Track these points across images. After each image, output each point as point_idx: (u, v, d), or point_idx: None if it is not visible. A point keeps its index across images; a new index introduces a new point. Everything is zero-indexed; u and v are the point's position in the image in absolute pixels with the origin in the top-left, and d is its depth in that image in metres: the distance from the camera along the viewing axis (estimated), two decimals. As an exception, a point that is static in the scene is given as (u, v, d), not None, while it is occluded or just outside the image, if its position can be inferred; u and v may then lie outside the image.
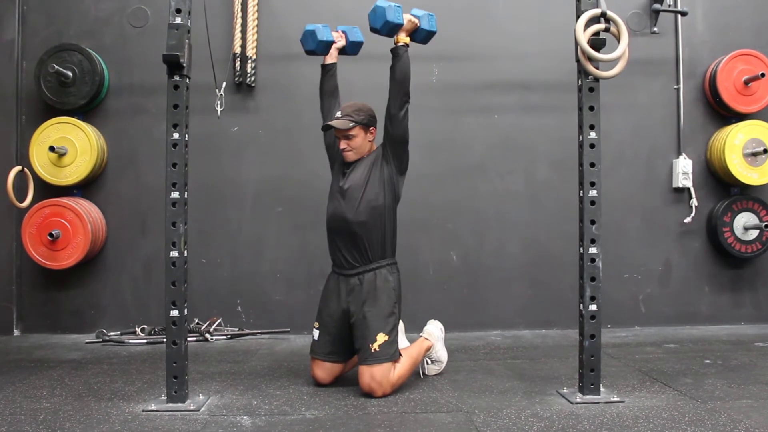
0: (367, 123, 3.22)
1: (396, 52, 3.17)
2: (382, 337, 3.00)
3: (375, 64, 4.60)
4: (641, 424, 2.53)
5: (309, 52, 3.43)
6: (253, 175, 4.58)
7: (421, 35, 3.28)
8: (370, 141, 3.25)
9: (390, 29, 3.15)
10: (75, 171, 4.38)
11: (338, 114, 3.22)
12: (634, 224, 4.67)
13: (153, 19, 4.57)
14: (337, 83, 3.44)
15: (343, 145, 3.21)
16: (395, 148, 3.18)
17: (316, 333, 3.23)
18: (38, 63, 4.41)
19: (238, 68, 4.52)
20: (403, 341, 3.31)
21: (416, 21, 3.21)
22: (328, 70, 3.42)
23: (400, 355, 3.07)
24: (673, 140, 4.70)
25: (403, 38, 3.18)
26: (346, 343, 3.17)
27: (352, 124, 3.16)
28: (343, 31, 3.48)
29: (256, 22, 4.53)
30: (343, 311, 3.16)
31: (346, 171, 3.24)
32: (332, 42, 3.40)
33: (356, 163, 3.23)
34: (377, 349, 2.98)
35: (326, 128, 3.24)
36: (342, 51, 3.48)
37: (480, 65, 4.64)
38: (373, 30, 3.22)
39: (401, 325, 3.32)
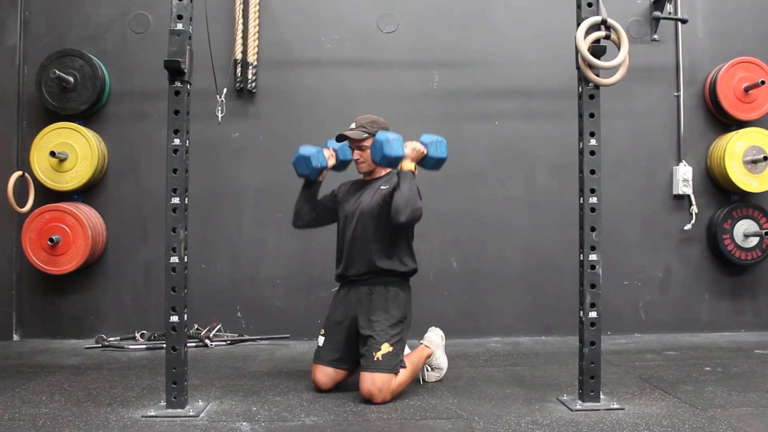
0: None
1: (398, 178, 3.11)
2: (386, 348, 3.00)
3: (376, 71, 4.65)
4: (641, 431, 2.53)
5: (300, 176, 3.35)
6: (254, 180, 4.59)
7: (430, 162, 3.18)
8: None
9: (390, 162, 3.07)
10: (75, 176, 4.38)
11: (352, 125, 3.26)
12: (634, 231, 4.67)
13: (154, 25, 4.58)
14: (317, 200, 3.41)
15: (356, 155, 3.27)
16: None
17: (321, 339, 3.23)
18: (40, 68, 4.43)
19: (239, 74, 4.53)
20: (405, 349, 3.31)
21: (423, 149, 3.13)
22: (313, 188, 3.39)
23: (403, 367, 3.07)
24: (673, 147, 4.71)
25: (407, 165, 3.10)
26: (352, 351, 3.18)
27: (365, 134, 3.20)
28: (334, 150, 3.39)
29: (257, 29, 4.54)
30: (352, 319, 3.18)
31: (359, 192, 3.30)
32: (326, 167, 3.32)
33: (368, 185, 3.29)
34: (380, 358, 2.97)
35: (340, 138, 3.25)
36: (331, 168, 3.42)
37: (480, 72, 4.65)
38: (375, 163, 3.16)
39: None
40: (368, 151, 3.21)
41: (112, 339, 4.32)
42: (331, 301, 3.35)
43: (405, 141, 3.10)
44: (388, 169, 3.31)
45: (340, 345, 3.18)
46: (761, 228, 4.59)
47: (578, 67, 2.89)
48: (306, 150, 3.27)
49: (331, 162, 3.36)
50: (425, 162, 3.18)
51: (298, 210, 3.42)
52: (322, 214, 3.43)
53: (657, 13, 4.61)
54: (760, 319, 4.73)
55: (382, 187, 3.22)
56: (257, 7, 4.55)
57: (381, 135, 3.06)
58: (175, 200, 2.80)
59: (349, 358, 3.19)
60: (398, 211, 3.01)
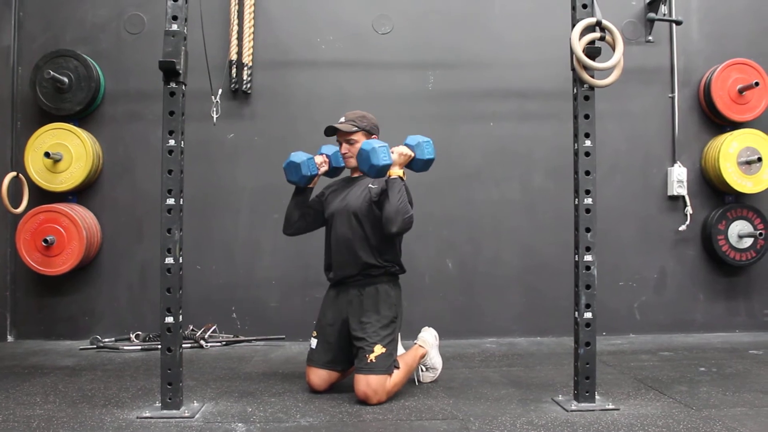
0: (369, 130, 3.26)
1: (386, 186, 3.08)
2: (379, 349, 3.00)
3: (371, 72, 4.65)
4: (636, 431, 2.53)
5: (291, 182, 3.30)
6: (249, 181, 4.58)
7: (418, 165, 3.16)
8: None
9: (378, 171, 3.03)
10: (70, 177, 4.37)
11: (342, 119, 3.26)
12: (629, 232, 4.68)
13: (149, 25, 4.58)
14: (307, 207, 3.37)
15: (344, 149, 3.26)
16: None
17: (314, 342, 3.23)
18: (34, 69, 4.42)
19: (234, 75, 4.53)
20: (398, 349, 3.31)
21: (410, 153, 3.12)
22: (304, 195, 3.35)
23: (397, 368, 3.07)
24: (667, 148, 4.72)
25: (395, 172, 3.08)
26: (345, 352, 3.18)
27: (355, 128, 3.20)
28: (327, 156, 3.35)
29: (252, 30, 4.54)
30: (343, 321, 3.17)
31: (346, 190, 3.28)
32: (316, 174, 3.29)
33: (356, 183, 3.27)
34: (373, 360, 2.97)
35: (329, 131, 3.24)
36: (323, 174, 3.39)
37: (476, 73, 4.66)
38: (363, 173, 3.13)
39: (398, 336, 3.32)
40: (357, 145, 3.20)
41: (107, 340, 4.31)
42: (322, 303, 3.34)
43: (391, 147, 3.08)
44: None
45: (333, 347, 3.18)
46: (755, 229, 4.60)
47: (573, 69, 2.90)
48: (297, 157, 3.23)
49: (323, 169, 3.33)
50: (413, 165, 3.16)
51: (288, 216, 3.38)
52: (311, 219, 3.40)
53: (651, 15, 4.63)
54: (754, 319, 4.74)
55: (371, 186, 3.21)
56: (252, 8, 4.54)
57: (366, 144, 3.03)
58: (170, 201, 2.79)
59: (342, 360, 3.19)
60: (390, 222, 3.01)
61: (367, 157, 3.01)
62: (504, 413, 2.80)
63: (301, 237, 4.40)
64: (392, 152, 3.08)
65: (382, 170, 3.04)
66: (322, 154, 3.37)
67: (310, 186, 3.36)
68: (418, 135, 3.18)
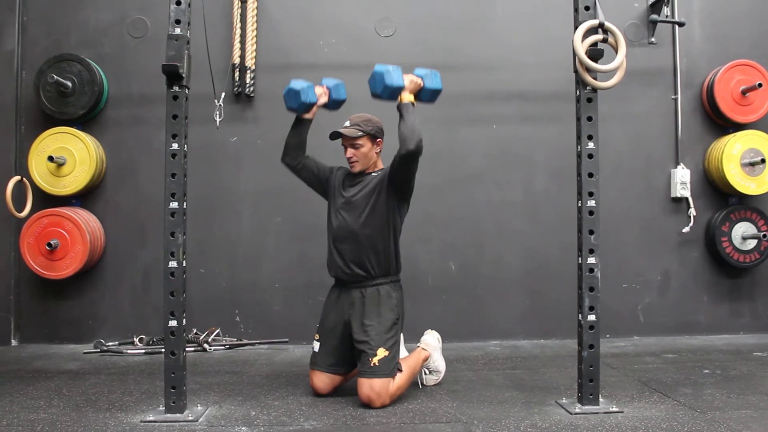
0: (375, 134, 3.24)
1: (399, 111, 3.11)
2: (382, 352, 3.00)
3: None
4: (640, 434, 2.54)
5: (290, 110, 3.29)
6: (252, 185, 4.59)
7: (426, 95, 3.20)
8: (376, 153, 3.27)
9: (391, 93, 3.07)
10: (74, 181, 4.38)
11: (347, 123, 3.25)
12: (632, 234, 4.67)
13: (152, 29, 4.59)
14: (306, 139, 3.35)
15: (349, 153, 3.24)
16: (396, 185, 3.15)
17: (316, 345, 3.23)
18: (38, 73, 4.42)
19: (237, 78, 4.53)
20: (401, 351, 3.31)
21: (419, 81, 3.16)
22: (302, 125, 3.32)
23: (400, 370, 3.07)
24: (671, 150, 4.72)
25: (407, 97, 3.11)
26: (347, 355, 3.17)
27: (360, 133, 3.18)
28: (328, 87, 3.35)
29: (255, 33, 4.55)
30: (345, 324, 3.17)
31: (351, 185, 3.27)
32: (315, 103, 3.28)
33: (361, 178, 3.26)
34: (377, 364, 2.97)
35: (334, 135, 3.24)
36: (323, 106, 3.37)
37: (478, 75, 4.65)
38: (375, 96, 3.14)
39: (401, 338, 3.32)
40: (362, 150, 3.20)
41: (110, 344, 4.31)
42: (324, 305, 3.33)
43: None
44: (381, 166, 3.30)
45: (335, 350, 3.18)
46: (759, 230, 4.59)
47: (576, 71, 2.90)
48: (297, 84, 3.22)
49: (323, 100, 3.31)
50: (422, 95, 3.19)
51: (286, 143, 3.34)
52: (310, 173, 3.34)
53: (654, 17, 4.62)
54: (758, 321, 4.73)
55: (374, 174, 3.23)
56: (255, 12, 4.55)
57: (380, 67, 3.07)
58: (174, 205, 2.80)
59: (345, 362, 3.19)
60: (405, 140, 3.01)
61: (381, 79, 3.04)
62: (508, 416, 2.80)
63: (305, 240, 4.46)
64: (404, 78, 3.10)
65: (395, 92, 3.08)
66: (323, 85, 3.36)
67: (309, 117, 3.31)
68: (425, 68, 3.21)
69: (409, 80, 3.12)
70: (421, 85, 3.16)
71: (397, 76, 3.06)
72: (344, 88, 3.38)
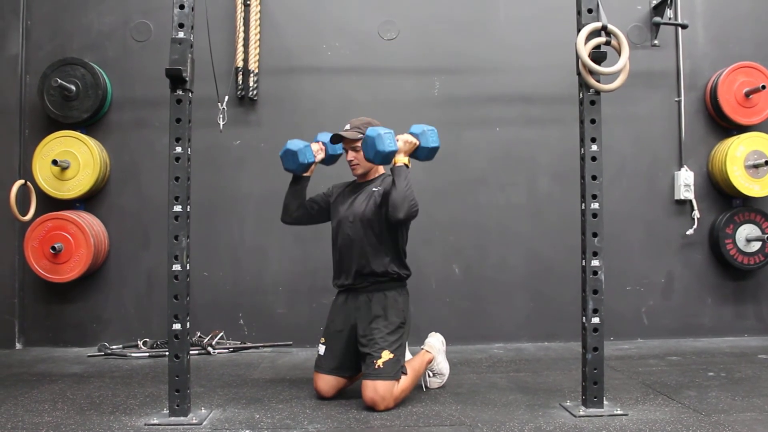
0: None
1: (392, 175, 3.08)
2: (387, 355, 3.00)
3: (377, 78, 4.66)
4: (645, 437, 2.53)
5: (288, 170, 3.31)
6: (256, 188, 4.59)
7: (423, 153, 3.14)
8: None
9: (383, 158, 3.01)
10: (78, 184, 4.39)
11: (347, 126, 3.25)
12: (636, 237, 4.66)
13: (156, 33, 4.60)
14: (305, 195, 3.39)
15: (350, 156, 3.25)
16: (390, 225, 3.15)
17: (321, 348, 3.23)
18: (41, 77, 4.44)
19: (241, 82, 4.54)
20: (406, 354, 3.30)
21: (415, 141, 3.11)
22: (301, 183, 3.36)
23: (404, 373, 3.07)
24: (674, 152, 4.71)
25: (401, 159, 3.06)
26: (352, 359, 3.17)
27: (360, 136, 3.17)
28: (323, 143, 3.38)
29: (258, 36, 4.56)
30: (351, 327, 3.17)
31: (353, 194, 3.28)
32: (313, 162, 3.30)
33: (362, 188, 3.27)
34: (381, 366, 2.97)
35: (335, 139, 3.24)
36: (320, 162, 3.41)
37: (481, 78, 4.66)
38: (368, 160, 3.10)
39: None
40: (362, 152, 3.20)
41: (114, 347, 4.32)
42: (330, 309, 3.34)
43: (396, 135, 3.07)
44: (382, 171, 3.31)
45: (341, 353, 3.18)
46: (763, 232, 4.58)
47: (579, 73, 2.90)
48: (293, 144, 3.25)
49: (320, 156, 3.35)
50: (418, 153, 3.15)
51: (286, 205, 3.39)
52: (315, 213, 3.41)
53: (657, 19, 4.62)
54: (763, 323, 4.72)
55: (374, 189, 3.21)
56: (258, 15, 4.56)
57: (372, 131, 3.00)
58: (177, 208, 2.80)
59: (350, 366, 3.19)
60: (396, 208, 2.99)
61: (373, 144, 2.98)
62: (512, 419, 2.79)
63: (308, 243, 4.46)
64: (397, 140, 3.07)
65: (387, 157, 3.02)
66: (318, 141, 3.38)
67: (307, 174, 3.36)
68: (422, 124, 3.18)
69: (403, 141, 3.08)
70: (417, 144, 3.12)
71: (389, 140, 2.99)
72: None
